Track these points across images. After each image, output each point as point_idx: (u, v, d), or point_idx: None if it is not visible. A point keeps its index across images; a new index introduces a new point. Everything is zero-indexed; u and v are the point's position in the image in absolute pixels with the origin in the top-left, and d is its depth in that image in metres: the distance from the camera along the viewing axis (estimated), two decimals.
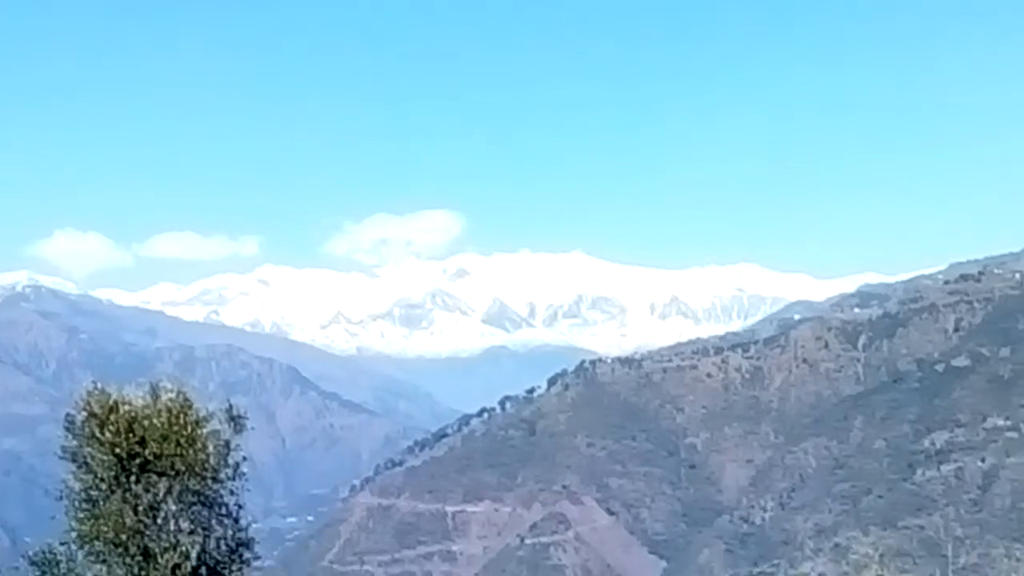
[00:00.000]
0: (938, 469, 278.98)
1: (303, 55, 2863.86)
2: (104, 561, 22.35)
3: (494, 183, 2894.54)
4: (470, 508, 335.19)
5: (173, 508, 22.58)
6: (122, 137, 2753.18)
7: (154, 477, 22.30)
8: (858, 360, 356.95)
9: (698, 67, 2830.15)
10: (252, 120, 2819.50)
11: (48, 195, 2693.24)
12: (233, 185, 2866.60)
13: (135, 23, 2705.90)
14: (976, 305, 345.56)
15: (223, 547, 23.13)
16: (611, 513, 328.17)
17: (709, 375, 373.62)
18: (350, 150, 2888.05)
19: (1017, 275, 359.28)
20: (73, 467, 22.58)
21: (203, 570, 22.84)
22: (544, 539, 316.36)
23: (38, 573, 22.44)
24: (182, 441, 22.24)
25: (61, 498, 22.64)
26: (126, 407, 22.33)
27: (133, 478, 22.25)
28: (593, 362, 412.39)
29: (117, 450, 22.05)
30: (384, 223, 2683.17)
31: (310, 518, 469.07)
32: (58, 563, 22.46)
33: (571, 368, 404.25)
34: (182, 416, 22.43)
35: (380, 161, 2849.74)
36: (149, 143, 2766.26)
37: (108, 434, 22.09)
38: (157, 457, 22.14)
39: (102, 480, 22.34)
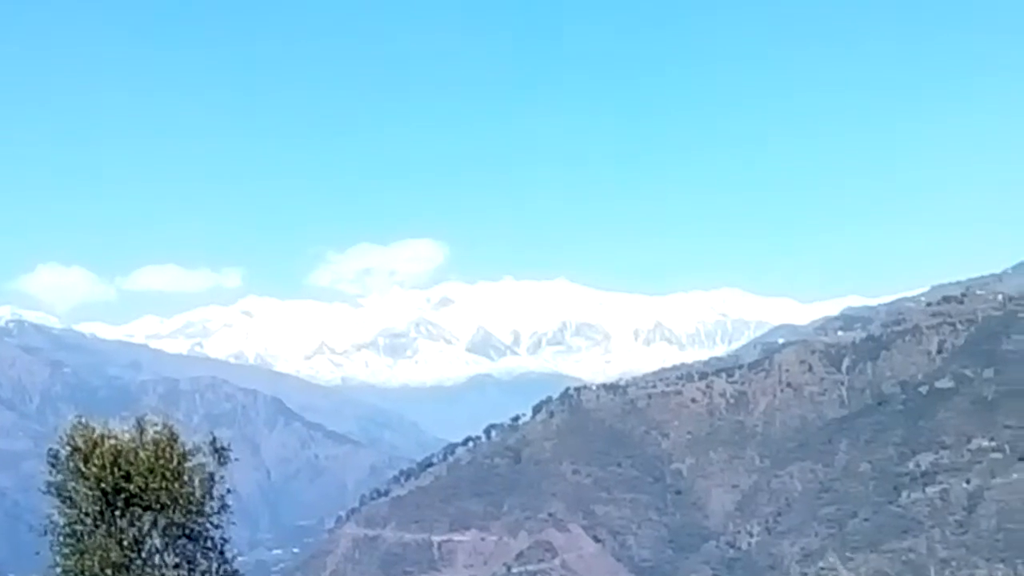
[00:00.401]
0: (923, 491, 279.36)
1: (284, 86, 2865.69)
2: None
3: (477, 212, 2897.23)
4: (456, 537, 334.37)
5: (158, 542, 22.54)
6: (104, 171, 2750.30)
7: (139, 511, 22.27)
8: (842, 383, 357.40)
9: (681, 95, 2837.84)
10: (234, 152, 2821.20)
11: (31, 230, 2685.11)
12: (215, 217, 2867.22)
13: (117, 57, 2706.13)
14: (959, 327, 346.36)
15: None
16: (597, 540, 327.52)
17: (694, 400, 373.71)
18: (332, 181, 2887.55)
19: (999, 296, 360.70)
20: (58, 502, 22.54)
21: None
22: (531, 567, 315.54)
23: None
24: (167, 475, 22.22)
25: (46, 533, 22.58)
26: (111, 441, 22.31)
27: (118, 512, 22.21)
28: (578, 389, 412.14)
29: (102, 484, 22.02)
30: (367, 253, 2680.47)
31: (296, 550, 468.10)
32: None
33: (556, 395, 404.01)
34: (168, 450, 22.42)
35: (363, 191, 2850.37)
36: (131, 177, 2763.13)
37: (93, 468, 22.06)
38: (142, 491, 22.11)
39: (87, 515, 22.30)
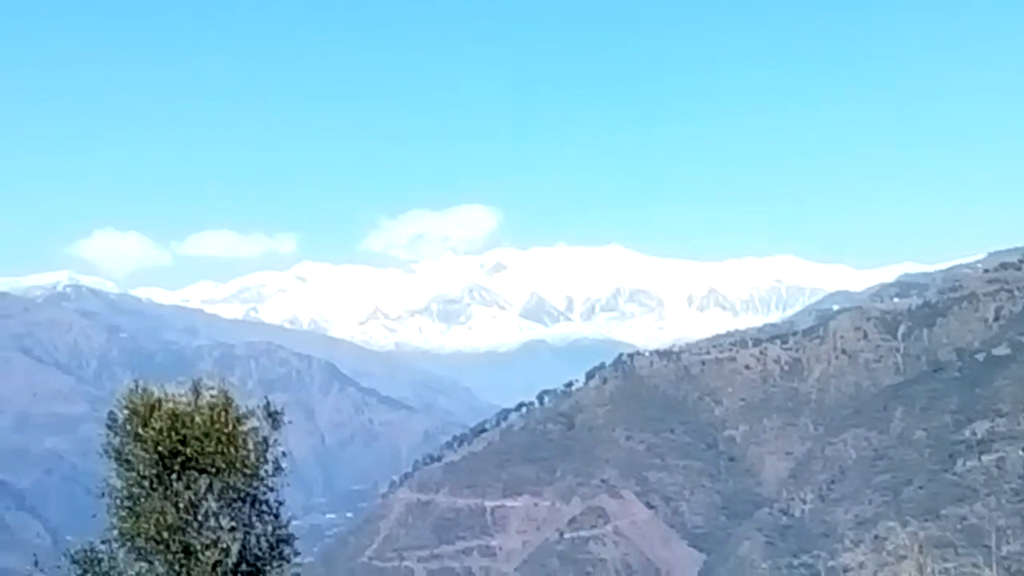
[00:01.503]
0: (979, 459, 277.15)
1: (340, 55, 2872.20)
2: (145, 559, 22.41)
3: (530, 177, 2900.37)
4: (509, 503, 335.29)
5: (214, 505, 22.62)
6: (160, 137, 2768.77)
7: (195, 474, 22.35)
8: (898, 350, 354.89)
9: (734, 59, 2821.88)
10: (289, 119, 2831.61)
11: (87, 195, 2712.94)
12: (270, 183, 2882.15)
13: (175, 24, 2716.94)
14: (1016, 294, 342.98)
15: (263, 544, 23.16)
16: (650, 507, 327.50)
17: (747, 367, 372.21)
18: (386, 147, 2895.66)
19: None
20: (115, 465, 22.65)
21: (244, 566, 22.88)
22: (583, 533, 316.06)
23: (80, 571, 22.52)
24: (223, 439, 22.29)
25: (102, 496, 22.69)
26: (168, 405, 22.41)
27: (174, 476, 22.31)
28: (631, 355, 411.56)
29: (159, 448, 22.12)
30: (420, 219, 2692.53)
31: (349, 514, 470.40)
32: (100, 561, 22.53)
33: (609, 361, 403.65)
34: (223, 414, 22.48)
35: (416, 157, 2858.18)
36: (187, 143, 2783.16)
37: (150, 432, 22.16)
38: (198, 455, 22.19)
39: (143, 478, 22.40)
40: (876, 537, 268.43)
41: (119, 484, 22.59)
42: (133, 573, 22.56)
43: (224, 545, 22.53)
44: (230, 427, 22.50)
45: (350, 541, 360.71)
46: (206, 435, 22.28)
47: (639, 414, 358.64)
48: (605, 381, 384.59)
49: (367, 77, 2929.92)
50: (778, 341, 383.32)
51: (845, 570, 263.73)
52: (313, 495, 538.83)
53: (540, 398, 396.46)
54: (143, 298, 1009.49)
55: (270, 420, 23.08)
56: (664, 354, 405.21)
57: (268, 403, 23.27)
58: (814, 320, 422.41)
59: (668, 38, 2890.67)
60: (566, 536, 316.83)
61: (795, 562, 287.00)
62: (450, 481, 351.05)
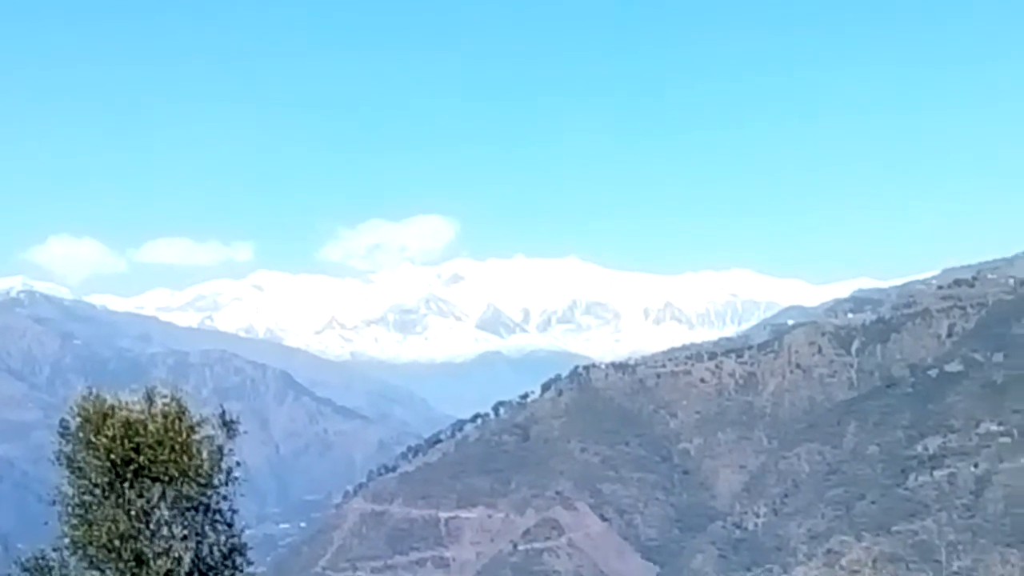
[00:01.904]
0: (931, 474, 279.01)
1: (297, 61, 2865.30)
2: (97, 567, 22.35)
3: (488, 189, 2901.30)
4: (463, 514, 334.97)
5: (166, 514, 22.59)
6: (117, 143, 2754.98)
7: (148, 483, 22.30)
8: (851, 365, 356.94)
9: (692, 74, 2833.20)
10: (246, 126, 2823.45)
11: (43, 201, 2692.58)
12: (227, 191, 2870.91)
13: (131, 28, 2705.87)
14: (970, 310, 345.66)
15: (216, 553, 23.14)
16: (604, 519, 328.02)
17: (703, 380, 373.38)
18: (344, 156, 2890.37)
19: (1011, 280, 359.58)
20: (67, 472, 22.58)
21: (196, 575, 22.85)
22: (537, 545, 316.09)
23: None
24: (176, 447, 22.25)
25: (54, 503, 22.62)
26: (121, 413, 22.34)
27: (127, 484, 22.25)
28: (587, 367, 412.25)
29: (111, 455, 22.05)
30: (378, 229, 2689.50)
31: (303, 524, 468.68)
32: (51, 569, 22.46)
33: (565, 373, 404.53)
34: (177, 422, 22.44)
35: (374, 167, 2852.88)
36: (143, 149, 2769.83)
37: (103, 439, 22.09)
38: (151, 463, 22.14)
39: (96, 486, 22.34)
40: (829, 551, 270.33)
41: (71, 492, 22.52)
42: None
43: (176, 554, 22.49)
44: (184, 435, 22.48)
45: (303, 551, 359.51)
46: (159, 443, 22.24)
47: (594, 426, 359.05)
48: (560, 393, 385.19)
49: (326, 86, 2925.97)
50: (733, 355, 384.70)
51: None
52: (267, 505, 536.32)
53: (495, 409, 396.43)
54: (97, 305, 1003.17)
55: (225, 429, 23.06)
56: (620, 367, 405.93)
57: (224, 412, 23.25)
58: (769, 334, 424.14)
59: (627, 50, 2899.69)
60: (520, 548, 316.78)
61: (748, 575, 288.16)
62: (404, 492, 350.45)
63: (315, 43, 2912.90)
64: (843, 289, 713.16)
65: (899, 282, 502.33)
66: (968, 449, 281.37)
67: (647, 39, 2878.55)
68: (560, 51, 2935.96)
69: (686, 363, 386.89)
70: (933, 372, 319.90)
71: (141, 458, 22.13)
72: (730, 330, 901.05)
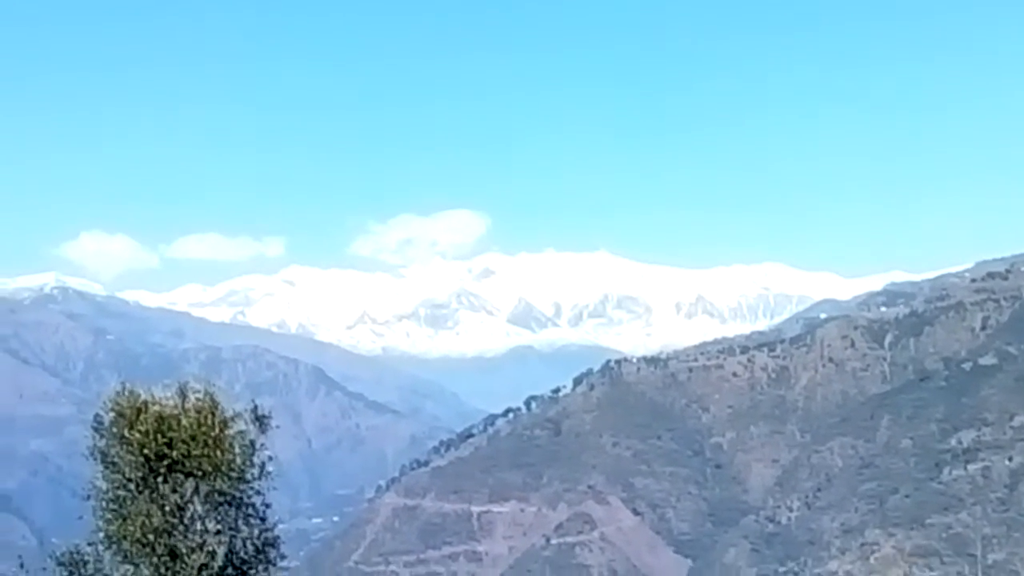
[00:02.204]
0: (965, 468, 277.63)
1: (326, 59, 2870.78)
2: (131, 561, 22.40)
3: (519, 183, 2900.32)
4: (495, 508, 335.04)
5: (200, 508, 22.62)
6: (148, 139, 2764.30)
7: (181, 477, 22.35)
8: (884, 359, 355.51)
9: (724, 68, 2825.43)
10: (278, 123, 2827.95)
11: (75, 197, 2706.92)
12: (258, 186, 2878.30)
13: (166, 26, 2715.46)
14: (1003, 303, 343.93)
15: (249, 547, 23.17)
16: (637, 513, 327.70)
17: (735, 374, 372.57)
18: (374, 151, 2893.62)
19: None
20: (101, 467, 22.64)
21: (230, 570, 22.88)
22: (570, 539, 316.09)
23: (66, 573, 22.51)
24: (209, 442, 22.28)
25: (88, 498, 22.69)
26: (154, 408, 22.40)
27: (160, 478, 22.30)
28: (619, 362, 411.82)
29: (145, 450, 22.11)
30: (409, 223, 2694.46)
31: (336, 518, 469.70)
32: (85, 563, 22.52)
33: (596, 368, 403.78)
34: (209, 417, 22.47)
35: (404, 162, 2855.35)
36: (175, 145, 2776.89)
37: (136, 434, 22.15)
38: (185, 457, 22.19)
39: (130, 480, 22.40)
40: (862, 545, 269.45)
41: (105, 486, 22.58)
42: None
43: (210, 548, 22.53)
44: (216, 430, 22.50)
45: (336, 545, 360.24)
46: (192, 438, 22.28)
47: (626, 420, 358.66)
48: (592, 387, 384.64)
49: (357, 82, 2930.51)
50: (765, 349, 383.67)
51: None
52: (299, 499, 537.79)
53: (527, 404, 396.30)
54: (130, 301, 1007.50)
55: (258, 424, 23.08)
56: (651, 361, 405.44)
57: (256, 407, 23.27)
58: (801, 328, 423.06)
59: (658, 46, 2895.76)
60: (552, 542, 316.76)
61: (781, 569, 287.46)
62: (437, 486, 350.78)
63: (345, 43, 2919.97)
64: (876, 282, 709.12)
65: (932, 275, 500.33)
66: (1002, 442, 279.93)
67: (678, 33, 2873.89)
68: (590, 44, 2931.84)
69: (718, 357, 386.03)
70: (967, 365, 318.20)
71: (174, 453, 22.18)
72: (762, 324, 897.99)
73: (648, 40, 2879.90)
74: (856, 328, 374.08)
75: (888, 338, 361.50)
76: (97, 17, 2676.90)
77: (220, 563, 22.67)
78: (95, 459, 22.71)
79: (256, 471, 23.01)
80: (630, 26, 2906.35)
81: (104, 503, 22.51)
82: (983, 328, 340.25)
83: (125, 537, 22.19)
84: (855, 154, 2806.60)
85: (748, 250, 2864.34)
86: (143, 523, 22.07)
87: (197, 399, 22.75)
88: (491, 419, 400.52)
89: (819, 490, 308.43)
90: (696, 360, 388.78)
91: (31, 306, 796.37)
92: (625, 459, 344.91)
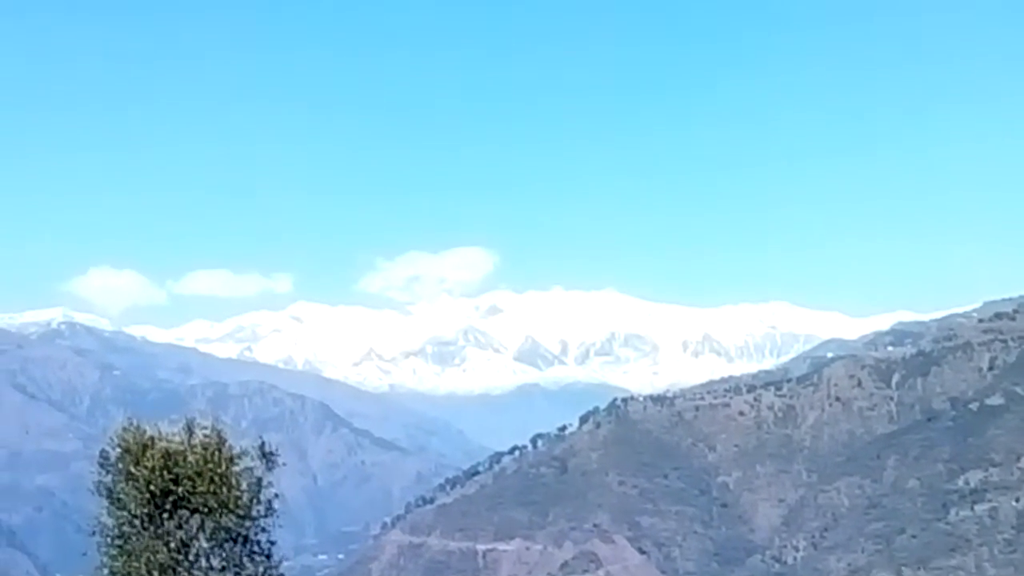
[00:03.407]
0: (972, 509, 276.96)
1: (334, 98, 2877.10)
2: None
3: (526, 221, 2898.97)
4: (501, 546, 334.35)
5: (205, 545, 22.66)
6: (157, 176, 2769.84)
7: (187, 514, 22.39)
8: (891, 399, 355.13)
9: (729, 110, 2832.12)
10: (285, 159, 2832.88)
11: (83, 232, 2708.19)
12: (266, 223, 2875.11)
13: (173, 66, 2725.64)
14: (1011, 343, 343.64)
15: None
16: (643, 552, 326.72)
17: (742, 413, 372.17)
18: (383, 189, 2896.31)
19: None
20: (106, 503, 22.69)
21: None
22: None
23: None
24: (215, 478, 22.34)
25: (93, 534, 22.73)
26: (161, 444, 22.46)
27: (166, 515, 22.35)
28: (625, 400, 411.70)
29: (151, 487, 22.16)
30: (417, 260, 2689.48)
31: (341, 556, 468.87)
32: None
33: (603, 406, 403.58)
34: (216, 453, 22.54)
35: (413, 199, 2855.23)
36: (184, 182, 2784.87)
37: (143, 470, 22.21)
38: (191, 494, 22.24)
39: (135, 516, 22.44)
40: None
41: (110, 522, 22.62)
42: None
43: None
44: (223, 467, 22.55)
45: None
46: (199, 474, 22.33)
47: (632, 459, 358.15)
48: (599, 425, 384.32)
49: (365, 121, 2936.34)
50: (772, 388, 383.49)
51: None
52: (305, 536, 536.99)
53: (533, 441, 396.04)
54: (137, 336, 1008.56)
55: (264, 460, 23.13)
56: (658, 399, 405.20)
57: (263, 443, 23.33)
58: (808, 367, 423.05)
59: (664, 89, 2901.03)
60: None
61: None
62: (442, 524, 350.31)
63: (354, 82, 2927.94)
64: (883, 322, 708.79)
65: (939, 315, 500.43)
66: (1010, 483, 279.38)
67: (683, 76, 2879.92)
68: (598, 86, 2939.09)
69: (725, 396, 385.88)
70: (974, 406, 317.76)
71: (180, 489, 22.23)
72: (769, 363, 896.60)
73: (655, 82, 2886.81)
74: (863, 368, 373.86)
75: (895, 378, 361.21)
76: (104, 54, 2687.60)
77: None
78: (101, 495, 22.77)
79: (262, 508, 23.06)
80: (637, 68, 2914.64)
81: (109, 539, 22.56)
82: (990, 368, 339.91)
83: (130, 574, 22.23)
84: (863, 194, 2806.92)
85: (755, 289, 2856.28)
86: (148, 560, 22.10)
87: (204, 435, 22.83)
88: (497, 457, 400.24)
89: (826, 530, 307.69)
90: (703, 399, 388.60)
91: (38, 341, 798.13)
92: (631, 498, 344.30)
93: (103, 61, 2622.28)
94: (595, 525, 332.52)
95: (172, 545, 22.35)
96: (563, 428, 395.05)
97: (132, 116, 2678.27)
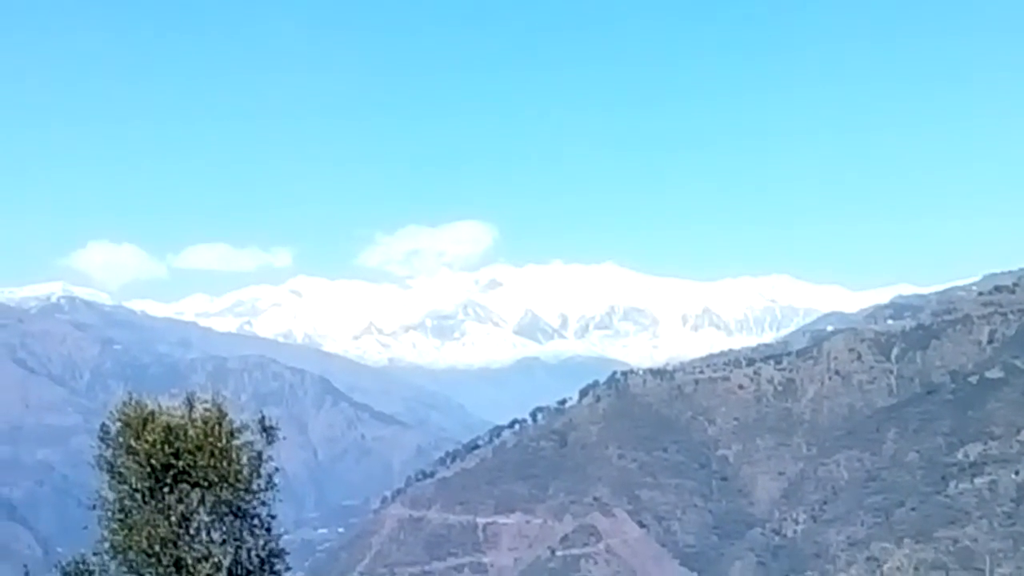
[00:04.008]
0: (971, 482, 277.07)
1: (335, 70, 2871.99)
2: (137, 571, 22.42)
3: (526, 194, 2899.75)
4: (501, 520, 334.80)
5: (206, 519, 22.65)
6: (156, 150, 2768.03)
7: (187, 488, 22.38)
8: (891, 372, 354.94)
9: (729, 82, 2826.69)
10: (285, 133, 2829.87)
11: (82, 207, 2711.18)
12: (266, 197, 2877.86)
13: (173, 37, 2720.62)
14: (1011, 316, 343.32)
15: (255, 558, 23.18)
16: (642, 525, 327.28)
17: (741, 387, 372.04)
18: (382, 162, 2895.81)
19: None
20: (107, 477, 22.67)
21: None
22: (575, 551, 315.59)
23: None
24: (216, 452, 22.32)
25: (94, 508, 22.71)
26: (161, 418, 22.43)
27: (167, 489, 22.33)
28: (625, 373, 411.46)
29: (152, 460, 22.14)
30: (416, 234, 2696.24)
31: (341, 529, 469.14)
32: (91, 573, 22.54)
33: (603, 379, 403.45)
34: (217, 427, 22.51)
35: (412, 173, 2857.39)
36: (183, 156, 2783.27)
37: (143, 444, 22.18)
38: (191, 468, 22.22)
39: (136, 490, 22.42)
40: (869, 558, 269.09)
41: (111, 496, 22.61)
42: None
43: (215, 559, 22.54)
44: (223, 441, 22.53)
45: (341, 556, 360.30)
46: (199, 448, 22.31)
47: (632, 432, 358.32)
48: (598, 399, 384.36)
49: (365, 94, 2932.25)
50: (772, 361, 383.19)
51: None
52: (305, 510, 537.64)
53: (533, 415, 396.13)
54: (137, 310, 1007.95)
55: (265, 434, 23.11)
56: (658, 373, 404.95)
57: (263, 417, 23.30)
58: (808, 341, 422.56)
59: (665, 60, 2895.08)
60: (558, 554, 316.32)
61: None
62: (442, 497, 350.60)
63: (355, 54, 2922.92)
64: (883, 295, 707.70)
65: (939, 288, 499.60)
66: (1009, 456, 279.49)
67: (686, 49, 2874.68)
68: (598, 58, 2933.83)
69: (724, 369, 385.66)
70: (974, 379, 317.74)
71: (181, 463, 22.21)
72: (769, 336, 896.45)
73: (657, 54, 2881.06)
74: (863, 341, 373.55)
75: (895, 351, 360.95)
76: (106, 27, 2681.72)
77: (225, 573, 22.68)
78: (101, 469, 22.75)
79: (262, 482, 23.05)
80: (639, 41, 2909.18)
81: (110, 513, 22.54)
82: (990, 341, 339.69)
83: (131, 547, 22.22)
84: (863, 168, 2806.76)
85: (755, 262, 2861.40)
86: (149, 533, 22.09)
87: (204, 409, 22.80)
88: (497, 430, 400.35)
89: (825, 503, 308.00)
90: (702, 372, 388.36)
91: (38, 315, 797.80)
92: (631, 471, 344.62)
93: (103, 34, 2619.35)
94: (595, 498, 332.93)
95: (173, 519, 22.34)
96: (563, 402, 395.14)
97: (131, 89, 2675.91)
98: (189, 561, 22.34)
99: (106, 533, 22.49)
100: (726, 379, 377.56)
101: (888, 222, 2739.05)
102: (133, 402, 22.66)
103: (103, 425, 22.84)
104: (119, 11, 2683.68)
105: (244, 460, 22.78)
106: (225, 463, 22.44)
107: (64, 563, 22.61)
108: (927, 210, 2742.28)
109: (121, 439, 22.54)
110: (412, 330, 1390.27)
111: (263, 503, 23.15)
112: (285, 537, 24.06)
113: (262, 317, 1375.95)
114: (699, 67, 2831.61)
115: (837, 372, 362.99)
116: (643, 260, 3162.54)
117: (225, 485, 22.51)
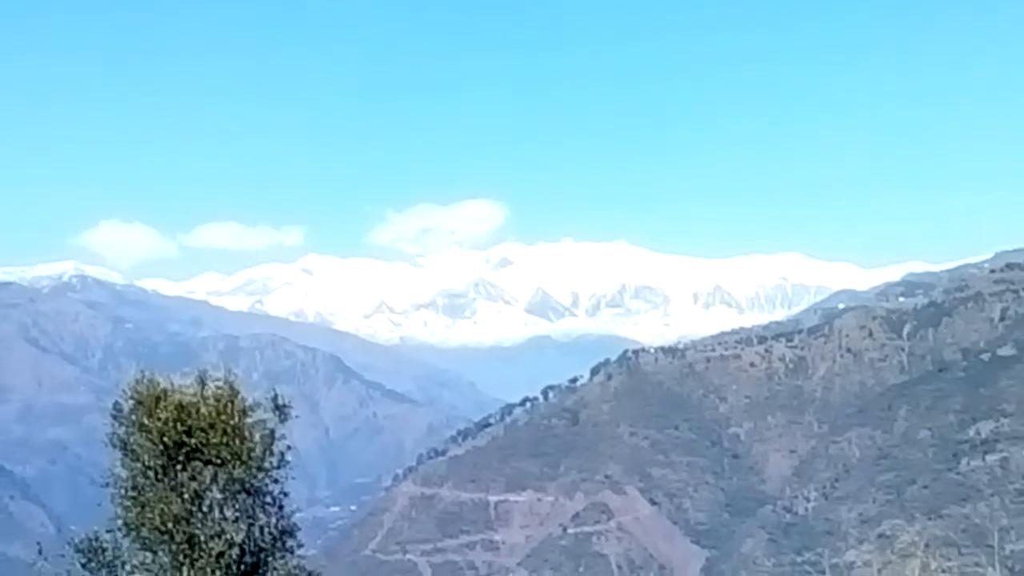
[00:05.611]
0: (983, 459, 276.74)
1: (346, 50, 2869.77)
2: (150, 549, 22.47)
3: (537, 173, 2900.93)
4: (513, 497, 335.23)
5: (218, 496, 22.68)
6: (167, 129, 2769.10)
7: (200, 465, 22.41)
8: (903, 349, 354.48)
9: (739, 58, 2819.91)
10: (296, 111, 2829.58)
11: (94, 186, 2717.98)
12: (277, 176, 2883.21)
13: (183, 19, 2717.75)
14: (1022, 294, 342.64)
15: (267, 535, 23.22)
16: (654, 503, 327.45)
17: (752, 364, 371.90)
18: (393, 141, 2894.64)
19: None
20: (120, 455, 22.71)
21: (247, 558, 22.94)
22: (587, 529, 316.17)
23: (84, 561, 22.58)
24: (228, 430, 22.34)
25: (107, 486, 22.75)
26: (174, 396, 22.45)
27: (179, 466, 22.37)
28: (636, 351, 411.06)
29: (164, 438, 22.17)
30: (427, 213, 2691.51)
31: (353, 507, 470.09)
32: (104, 551, 22.59)
33: (614, 357, 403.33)
34: (229, 405, 22.52)
35: (423, 151, 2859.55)
36: (194, 135, 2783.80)
37: (156, 422, 22.21)
38: (203, 445, 22.25)
39: (148, 468, 22.46)
40: (880, 535, 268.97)
41: (124, 474, 22.65)
42: (137, 563, 22.62)
43: (228, 536, 22.59)
44: (236, 419, 22.55)
45: (353, 534, 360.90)
46: (211, 426, 22.34)
47: (643, 410, 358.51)
48: (610, 377, 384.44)
49: (376, 73, 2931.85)
50: (783, 339, 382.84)
51: (849, 568, 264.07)
52: (317, 488, 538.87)
53: (544, 393, 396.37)
54: (148, 289, 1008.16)
55: (277, 412, 23.13)
56: (669, 351, 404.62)
57: (276, 395, 23.32)
58: (819, 319, 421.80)
59: (672, 38, 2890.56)
60: (569, 531, 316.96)
61: (798, 560, 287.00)
62: (454, 475, 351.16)
63: (366, 34, 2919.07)
64: (894, 273, 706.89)
65: (951, 265, 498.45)
66: (1021, 433, 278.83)
67: (696, 26, 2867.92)
68: (609, 37, 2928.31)
69: (736, 347, 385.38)
70: (985, 356, 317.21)
71: (193, 441, 22.24)
72: (780, 314, 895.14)
73: (666, 33, 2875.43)
74: (874, 318, 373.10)
75: (906, 328, 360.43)
76: (117, 8, 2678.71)
77: (238, 551, 22.74)
78: (114, 447, 22.78)
79: (275, 460, 23.08)
80: (648, 19, 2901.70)
81: (123, 491, 22.58)
82: (1002, 319, 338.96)
83: (143, 525, 22.27)
84: (874, 144, 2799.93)
85: (766, 240, 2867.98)
86: (162, 511, 22.14)
87: (217, 387, 22.81)
88: (508, 408, 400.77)
89: (837, 480, 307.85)
90: (714, 350, 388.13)
91: (50, 295, 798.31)
92: (642, 449, 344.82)
93: (113, 12, 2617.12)
94: (606, 476, 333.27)
95: (185, 496, 22.38)
96: (574, 380, 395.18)
97: (142, 70, 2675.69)
98: (202, 538, 22.39)
99: (119, 511, 22.53)
100: (737, 357, 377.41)
101: (900, 199, 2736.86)
102: (145, 380, 22.69)
103: (115, 403, 22.86)
104: None
105: (256, 438, 22.81)
106: (237, 441, 22.46)
107: (77, 540, 22.66)
108: (939, 187, 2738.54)
109: (133, 417, 22.57)
110: (423, 308, 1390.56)
111: (275, 481, 23.18)
112: (297, 515, 24.10)
113: (273, 296, 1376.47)
114: (710, 44, 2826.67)
115: (848, 350, 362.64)
116: (654, 238, 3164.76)
117: (238, 463, 22.54)
